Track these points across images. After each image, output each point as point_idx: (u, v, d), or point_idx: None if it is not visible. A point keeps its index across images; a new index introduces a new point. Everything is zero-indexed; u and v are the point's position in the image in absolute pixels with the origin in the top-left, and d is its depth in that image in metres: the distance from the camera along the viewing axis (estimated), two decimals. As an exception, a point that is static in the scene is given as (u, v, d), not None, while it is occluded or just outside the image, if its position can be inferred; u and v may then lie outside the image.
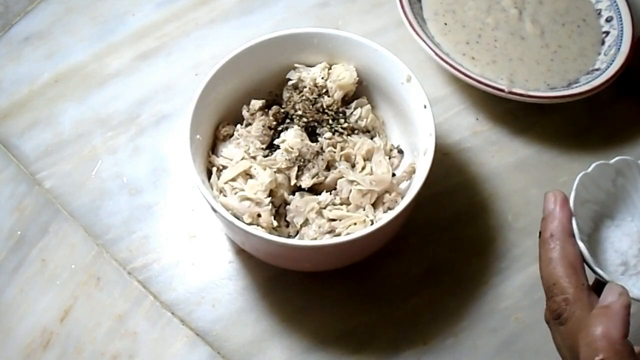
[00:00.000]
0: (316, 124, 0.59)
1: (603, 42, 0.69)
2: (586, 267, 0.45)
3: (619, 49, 0.67)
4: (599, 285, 0.45)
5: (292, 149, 0.57)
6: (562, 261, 0.43)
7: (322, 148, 0.58)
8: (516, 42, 0.69)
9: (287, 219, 0.57)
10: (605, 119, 0.69)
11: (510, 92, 0.64)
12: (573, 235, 0.45)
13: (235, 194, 0.56)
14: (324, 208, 0.56)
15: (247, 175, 0.57)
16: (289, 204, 0.57)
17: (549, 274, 0.44)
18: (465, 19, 0.70)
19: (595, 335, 0.40)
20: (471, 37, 0.69)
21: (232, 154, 0.58)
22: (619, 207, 0.49)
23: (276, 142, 0.59)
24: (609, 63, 0.66)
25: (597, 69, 0.67)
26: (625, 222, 0.49)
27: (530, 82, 0.66)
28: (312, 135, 0.59)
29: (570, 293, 0.42)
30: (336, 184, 0.57)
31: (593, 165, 0.48)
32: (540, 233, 0.46)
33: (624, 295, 0.42)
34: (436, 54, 0.65)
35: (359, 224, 0.55)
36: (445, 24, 0.70)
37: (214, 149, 0.60)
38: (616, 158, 0.49)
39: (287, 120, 0.60)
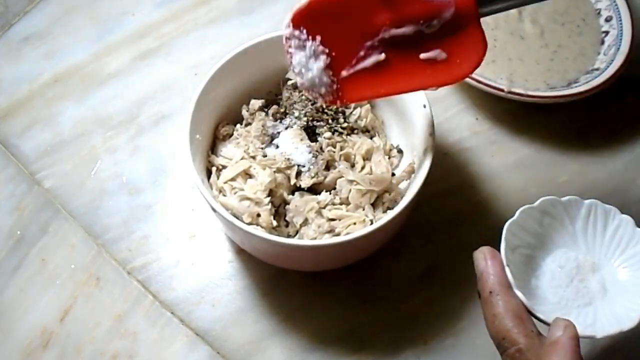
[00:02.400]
0: (315, 123, 0.59)
1: (603, 42, 0.69)
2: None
3: (618, 48, 0.67)
4: None
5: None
6: (507, 314, 0.44)
7: (321, 148, 0.58)
8: (516, 42, 0.69)
9: (287, 218, 0.57)
10: (604, 119, 0.69)
11: (510, 92, 0.64)
12: (511, 286, 0.46)
13: (235, 193, 0.56)
14: (324, 208, 0.56)
15: (247, 175, 0.57)
16: (288, 204, 0.57)
17: (497, 330, 0.44)
18: None
19: None
20: None
21: (231, 153, 0.58)
22: (548, 246, 0.50)
23: (275, 141, 0.59)
24: (608, 63, 0.66)
25: (596, 69, 0.67)
26: (558, 259, 0.50)
27: (530, 81, 0.66)
28: (312, 135, 0.59)
29: (522, 342, 0.43)
30: (336, 184, 0.57)
31: (518, 211, 0.49)
32: (479, 293, 0.47)
33: (570, 327, 0.43)
34: None
35: (359, 223, 0.55)
36: None
37: (213, 148, 0.60)
38: (539, 200, 0.50)
39: (287, 120, 0.60)
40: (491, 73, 0.66)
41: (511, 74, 0.67)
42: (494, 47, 0.68)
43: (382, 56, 0.47)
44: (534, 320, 0.45)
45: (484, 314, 0.46)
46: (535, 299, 0.47)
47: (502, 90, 0.64)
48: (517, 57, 0.68)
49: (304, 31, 0.47)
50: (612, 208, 0.50)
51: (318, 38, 0.47)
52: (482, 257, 0.48)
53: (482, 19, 0.69)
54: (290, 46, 0.48)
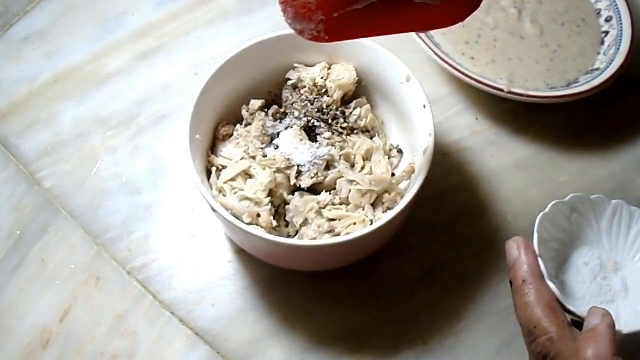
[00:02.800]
0: (315, 123, 0.59)
1: (603, 42, 0.69)
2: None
3: (618, 48, 0.67)
4: (575, 322, 0.47)
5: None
6: (539, 303, 0.45)
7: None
8: (516, 42, 0.69)
9: (287, 218, 0.57)
10: (604, 119, 0.69)
11: (510, 92, 0.64)
12: (543, 277, 0.47)
13: (235, 193, 0.56)
14: (324, 208, 0.56)
15: (247, 175, 0.57)
16: (288, 204, 0.57)
17: (528, 318, 0.45)
18: None
19: (587, 357, 0.41)
20: (471, 36, 0.69)
21: (231, 153, 0.58)
22: (575, 242, 0.52)
23: (275, 142, 0.59)
24: (608, 63, 0.66)
25: (596, 69, 0.67)
26: (583, 256, 0.51)
27: (530, 81, 0.66)
28: (312, 135, 0.59)
29: (553, 331, 0.44)
30: (336, 184, 0.57)
31: (550, 205, 0.50)
32: (510, 282, 0.48)
33: (607, 316, 0.44)
34: (436, 54, 0.65)
35: (359, 223, 0.55)
36: None
37: (213, 148, 0.60)
38: (570, 195, 0.51)
39: (287, 120, 0.60)
40: (491, 73, 0.66)
41: (511, 74, 0.67)
42: (494, 47, 0.68)
43: None
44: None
45: (515, 303, 0.46)
46: (562, 292, 0.47)
47: (502, 90, 0.64)
48: (517, 57, 0.68)
49: None
50: (638, 210, 0.52)
51: None
52: (516, 246, 0.48)
53: (483, 20, 0.70)
54: None
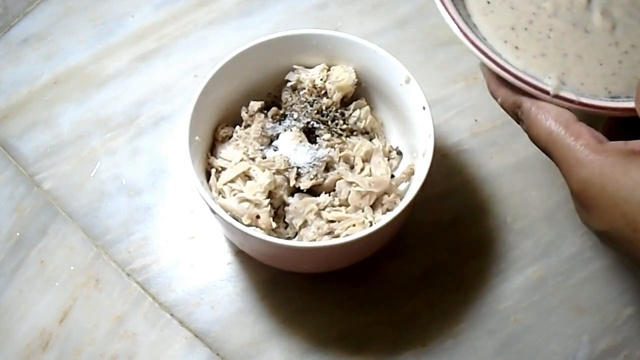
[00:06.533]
0: (315, 125, 0.59)
1: None
2: None
3: None
4: None
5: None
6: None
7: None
8: (577, 35, 0.55)
9: (286, 220, 0.57)
10: (603, 120, 0.69)
11: (557, 96, 0.50)
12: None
13: (234, 195, 0.56)
14: (323, 209, 0.56)
15: (246, 176, 0.57)
16: (287, 206, 0.57)
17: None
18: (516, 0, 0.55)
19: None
20: (519, 21, 0.55)
21: (231, 155, 0.58)
22: None
23: (275, 143, 0.59)
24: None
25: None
26: None
27: (587, 85, 0.53)
28: (311, 137, 0.60)
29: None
30: (335, 186, 0.57)
31: None
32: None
33: None
34: (465, 35, 0.49)
35: (358, 225, 0.55)
36: (489, 2, 0.55)
37: (212, 150, 0.60)
38: None
39: (286, 122, 0.60)
40: (538, 69, 0.53)
41: (563, 74, 0.54)
42: (547, 37, 0.55)
43: None
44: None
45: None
46: None
47: (547, 93, 0.50)
48: (576, 53, 0.55)
49: None
50: None
51: None
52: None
53: (540, 4, 0.54)
54: None
